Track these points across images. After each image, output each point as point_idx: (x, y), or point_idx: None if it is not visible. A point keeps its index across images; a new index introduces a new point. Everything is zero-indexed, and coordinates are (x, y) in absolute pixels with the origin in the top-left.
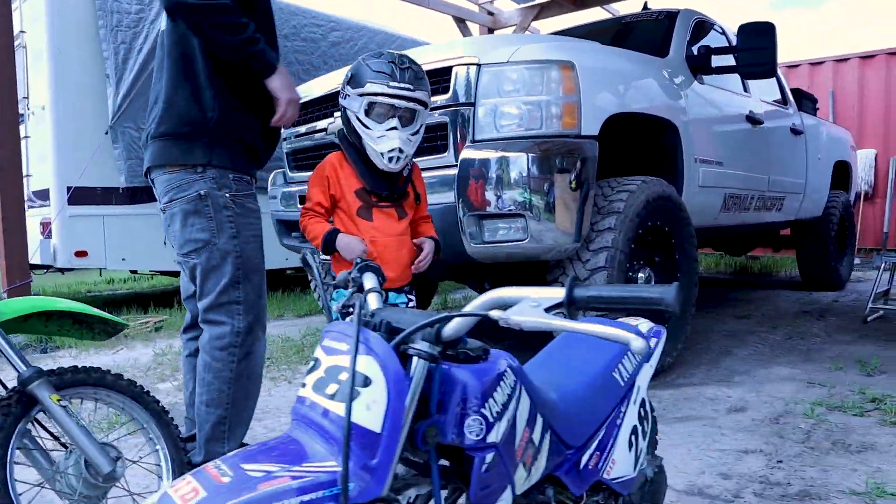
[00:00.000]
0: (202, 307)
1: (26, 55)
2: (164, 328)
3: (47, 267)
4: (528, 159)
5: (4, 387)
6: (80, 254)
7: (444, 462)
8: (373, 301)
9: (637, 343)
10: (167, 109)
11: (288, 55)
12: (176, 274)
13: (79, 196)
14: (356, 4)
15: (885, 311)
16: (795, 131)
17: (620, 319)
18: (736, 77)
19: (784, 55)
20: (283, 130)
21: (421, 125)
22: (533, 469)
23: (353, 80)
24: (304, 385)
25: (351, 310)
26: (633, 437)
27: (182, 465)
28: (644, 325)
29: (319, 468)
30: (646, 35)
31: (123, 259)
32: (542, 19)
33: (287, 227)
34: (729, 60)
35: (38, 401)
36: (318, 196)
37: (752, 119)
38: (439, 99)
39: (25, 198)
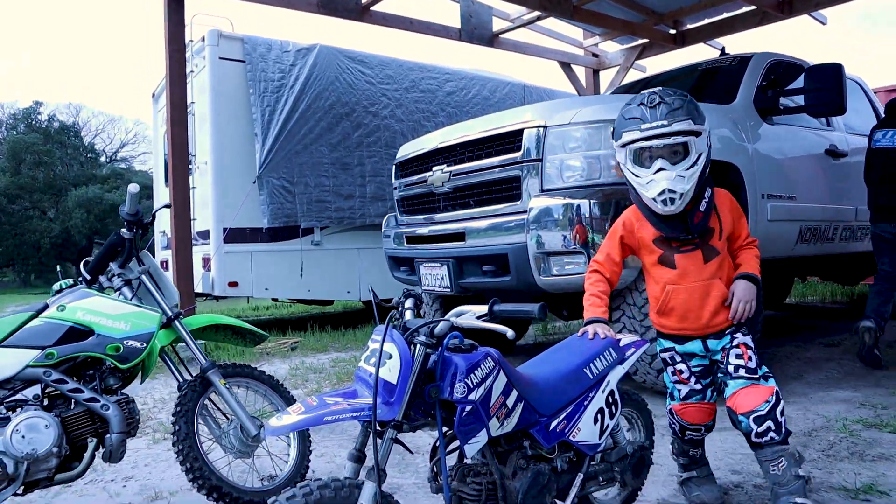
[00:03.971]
0: None
1: (194, 121)
2: (299, 348)
3: (206, 295)
4: (589, 204)
5: (190, 374)
6: (232, 284)
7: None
8: (407, 315)
9: (510, 333)
10: None
11: (409, 105)
12: (308, 301)
13: (231, 235)
14: (469, 57)
15: None
16: None
17: (621, 336)
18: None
19: None
20: (394, 180)
21: (699, 155)
22: (506, 422)
23: (615, 134)
24: (360, 359)
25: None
26: (598, 415)
27: (303, 430)
28: (627, 338)
29: (364, 402)
30: (721, 80)
31: (266, 289)
32: (645, 58)
33: (397, 263)
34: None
35: (212, 383)
36: (606, 249)
37: (834, 152)
38: (513, 156)
39: (192, 238)
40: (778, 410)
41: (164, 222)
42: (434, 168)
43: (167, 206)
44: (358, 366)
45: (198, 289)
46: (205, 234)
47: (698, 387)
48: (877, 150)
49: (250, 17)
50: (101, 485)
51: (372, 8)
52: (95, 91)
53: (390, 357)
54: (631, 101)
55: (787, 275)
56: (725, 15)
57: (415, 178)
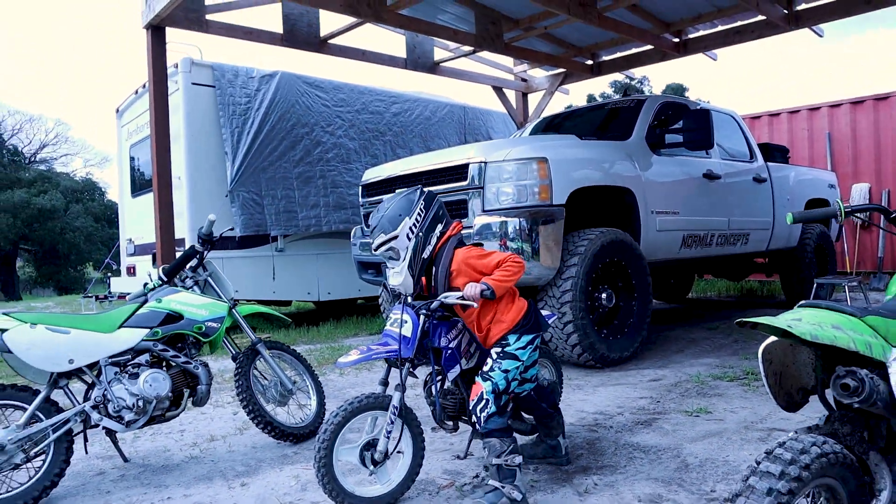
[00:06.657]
0: None
1: None
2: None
3: None
4: (519, 221)
5: (239, 350)
6: None
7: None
8: (409, 299)
9: (476, 304)
10: None
11: (360, 125)
12: (268, 302)
13: None
14: (412, 81)
15: None
16: (759, 179)
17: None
18: None
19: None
20: (360, 199)
21: (405, 250)
22: (470, 361)
23: None
24: (385, 324)
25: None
26: None
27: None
28: (545, 312)
29: (393, 348)
30: (621, 118)
31: (236, 290)
32: (568, 83)
33: (364, 267)
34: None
35: (260, 353)
36: None
37: (710, 175)
38: (461, 184)
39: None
40: (478, 407)
41: (129, 230)
42: (396, 190)
43: (231, 231)
44: (384, 328)
45: None
46: (180, 243)
47: None
48: None
49: (217, 43)
50: (162, 434)
51: (329, 41)
52: (10, 88)
53: (406, 322)
54: None
55: (685, 273)
56: (634, 50)
57: (379, 198)
